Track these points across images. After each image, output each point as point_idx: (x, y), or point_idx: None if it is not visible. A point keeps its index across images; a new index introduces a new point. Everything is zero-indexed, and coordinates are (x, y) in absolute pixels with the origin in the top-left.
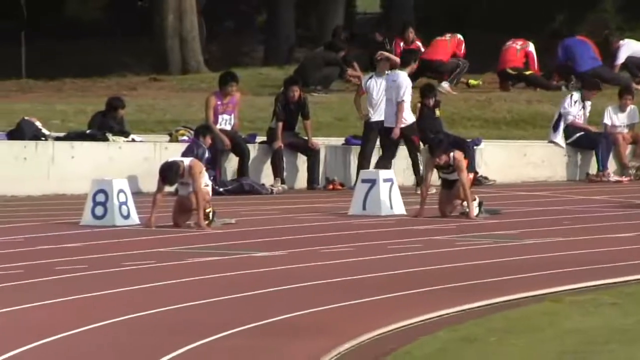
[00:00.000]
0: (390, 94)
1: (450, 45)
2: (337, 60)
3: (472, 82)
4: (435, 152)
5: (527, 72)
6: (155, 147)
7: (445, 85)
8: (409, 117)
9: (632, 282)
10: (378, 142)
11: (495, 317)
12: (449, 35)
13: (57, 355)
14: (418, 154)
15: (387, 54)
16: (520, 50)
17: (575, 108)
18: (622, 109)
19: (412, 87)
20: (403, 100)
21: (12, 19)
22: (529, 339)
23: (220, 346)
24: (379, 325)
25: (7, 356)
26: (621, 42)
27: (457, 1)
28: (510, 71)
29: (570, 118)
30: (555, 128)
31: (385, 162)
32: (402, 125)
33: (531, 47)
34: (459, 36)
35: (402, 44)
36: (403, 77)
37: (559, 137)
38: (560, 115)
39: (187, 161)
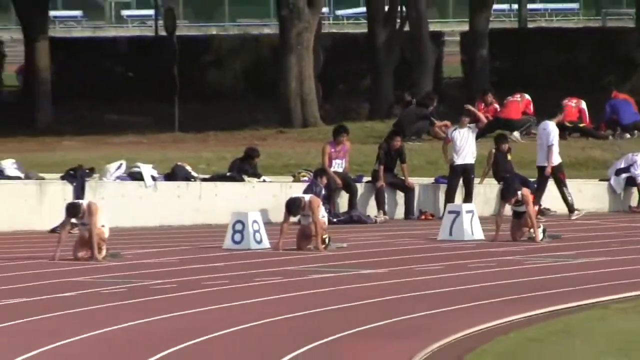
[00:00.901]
0: (542, 139)
1: (521, 105)
2: (426, 115)
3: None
4: (506, 197)
5: (581, 125)
6: (282, 186)
7: (516, 134)
8: (556, 158)
9: None
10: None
11: (555, 321)
12: (519, 96)
13: (205, 353)
14: (564, 188)
15: (471, 107)
16: (575, 107)
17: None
18: None
19: (487, 137)
20: (552, 144)
21: (167, 86)
22: (583, 339)
23: (331, 347)
24: (461, 328)
25: (167, 352)
26: None
27: (523, 67)
28: (567, 124)
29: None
30: (618, 174)
31: (468, 199)
32: (553, 164)
33: (583, 105)
34: (527, 96)
35: (482, 105)
36: (552, 126)
37: (617, 185)
38: (625, 170)
39: (307, 197)
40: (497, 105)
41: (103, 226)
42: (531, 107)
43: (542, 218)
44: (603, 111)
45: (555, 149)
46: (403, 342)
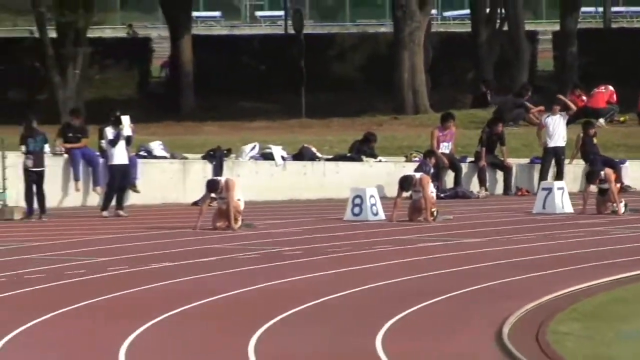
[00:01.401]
0: None
1: (605, 95)
2: (522, 103)
3: (621, 118)
4: (590, 179)
5: None
6: (395, 165)
7: (601, 121)
8: None
9: None
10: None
11: (638, 284)
12: (604, 87)
13: (329, 310)
14: None
15: (562, 97)
16: (605, 92)
17: None
18: None
19: (576, 123)
20: None
21: (295, 78)
22: None
23: (439, 306)
24: (554, 290)
25: (295, 310)
26: None
27: (607, 62)
28: None
29: None
30: None
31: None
32: None
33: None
34: (611, 88)
35: (572, 96)
36: None
37: None
38: None
39: (418, 175)
40: (584, 97)
41: (239, 200)
42: (614, 97)
43: (623, 194)
44: None
45: None
46: (503, 303)
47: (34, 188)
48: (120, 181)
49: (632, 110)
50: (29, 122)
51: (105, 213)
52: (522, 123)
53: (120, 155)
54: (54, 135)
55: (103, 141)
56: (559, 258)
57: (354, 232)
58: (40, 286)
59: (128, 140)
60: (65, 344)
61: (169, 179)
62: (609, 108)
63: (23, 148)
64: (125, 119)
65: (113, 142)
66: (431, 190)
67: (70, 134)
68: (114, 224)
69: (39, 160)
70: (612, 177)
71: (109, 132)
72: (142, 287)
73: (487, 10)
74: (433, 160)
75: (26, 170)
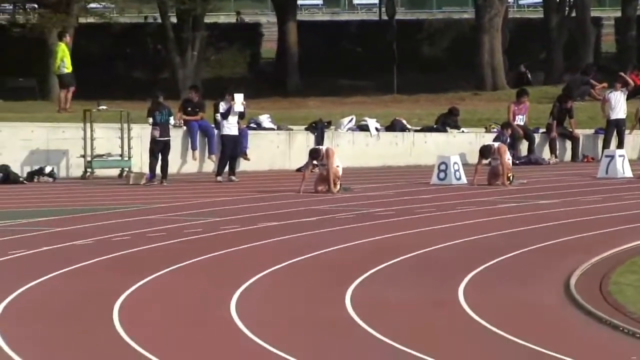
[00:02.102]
0: None
1: None
2: (588, 81)
3: None
4: None
5: None
6: (476, 136)
7: None
8: None
9: None
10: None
11: None
12: None
13: (422, 263)
14: None
15: (624, 75)
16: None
17: None
18: None
19: (637, 98)
20: None
21: (388, 59)
22: None
23: (514, 261)
24: (616, 245)
25: (389, 263)
26: None
27: None
28: None
29: None
30: None
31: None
32: None
33: None
34: None
35: (633, 75)
36: None
37: None
38: None
39: (496, 144)
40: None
41: (338, 166)
42: None
43: None
44: None
45: None
46: (570, 257)
47: (160, 156)
48: (231, 150)
49: None
50: (156, 97)
51: (219, 178)
52: (587, 98)
53: (231, 127)
54: (175, 109)
55: (218, 114)
56: (619, 217)
57: (439, 195)
58: (161, 243)
59: (241, 115)
60: (183, 295)
61: (275, 148)
62: None
63: (150, 120)
64: (239, 97)
65: (224, 115)
66: (508, 157)
67: (189, 108)
68: (227, 188)
69: (165, 131)
70: None
71: (222, 106)
72: (252, 244)
73: None
74: (509, 131)
75: (153, 140)
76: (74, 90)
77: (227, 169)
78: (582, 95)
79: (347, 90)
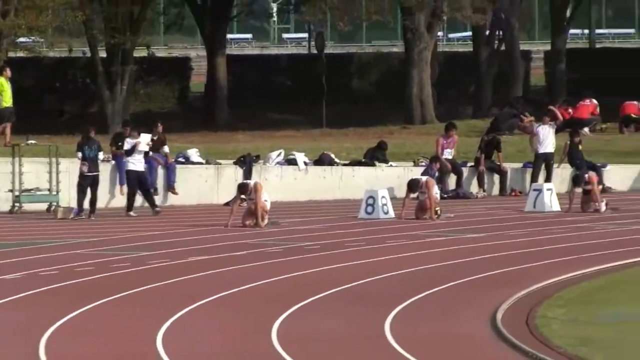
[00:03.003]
0: None
1: (589, 107)
2: (516, 114)
3: (603, 126)
4: (577, 183)
5: None
6: (404, 169)
7: (586, 130)
8: None
9: None
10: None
11: (618, 274)
12: (588, 100)
13: (347, 296)
14: None
15: (553, 109)
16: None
17: None
18: None
19: (564, 132)
20: None
21: (318, 93)
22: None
23: (441, 294)
24: (542, 279)
25: (317, 297)
26: None
27: (593, 78)
28: (633, 116)
29: None
30: None
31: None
32: None
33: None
34: (594, 101)
35: (561, 109)
36: None
37: None
38: None
39: (424, 178)
40: (570, 110)
41: (266, 200)
42: (597, 109)
43: (605, 194)
44: None
45: None
46: (498, 291)
47: (88, 190)
48: (138, 185)
49: (613, 120)
50: (87, 132)
51: (131, 213)
52: (516, 132)
53: (136, 162)
54: (105, 143)
55: (113, 147)
56: (547, 251)
57: (367, 229)
58: (89, 277)
59: (145, 154)
60: (110, 329)
61: (204, 182)
62: (592, 119)
63: (79, 154)
64: (145, 137)
65: (129, 152)
66: (435, 191)
67: (121, 143)
68: (155, 222)
69: (94, 166)
70: (595, 179)
71: (128, 142)
72: (181, 278)
73: (487, 32)
74: (437, 165)
75: (82, 175)
76: (12, 124)
77: (146, 203)
78: (510, 129)
79: (276, 124)
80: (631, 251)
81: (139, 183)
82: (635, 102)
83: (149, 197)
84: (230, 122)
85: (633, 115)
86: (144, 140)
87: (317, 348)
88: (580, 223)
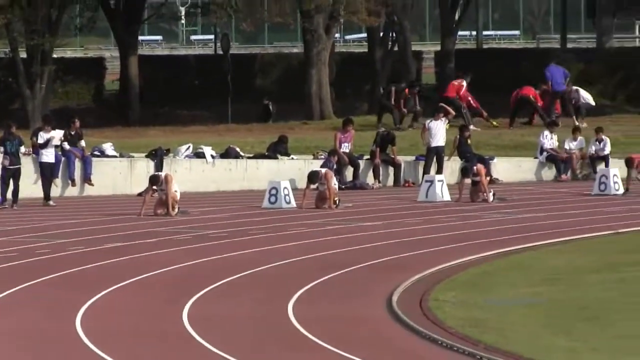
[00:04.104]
0: None
1: (455, 87)
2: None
3: (494, 123)
4: (466, 174)
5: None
6: (305, 162)
7: (472, 126)
8: None
9: (584, 239)
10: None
11: (503, 260)
12: (457, 81)
13: (251, 281)
14: None
15: (445, 106)
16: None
17: (547, 140)
18: (575, 138)
19: (454, 126)
20: None
21: (223, 91)
22: (522, 272)
23: (340, 278)
24: (435, 265)
25: (223, 281)
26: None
27: (480, 76)
28: (531, 97)
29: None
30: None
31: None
32: None
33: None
34: (464, 83)
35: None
36: None
37: (543, 161)
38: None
39: (323, 170)
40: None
41: (176, 191)
42: (463, 90)
43: (492, 185)
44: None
45: None
46: (393, 275)
47: (11, 182)
48: (49, 175)
49: (502, 116)
50: (8, 127)
51: (50, 202)
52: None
53: (48, 154)
54: (26, 138)
55: (34, 138)
56: (438, 238)
57: (271, 218)
58: (13, 263)
59: (61, 148)
60: (31, 311)
61: (118, 174)
62: (460, 106)
63: (1, 149)
64: (58, 133)
65: (42, 146)
66: (334, 182)
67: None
68: (73, 211)
69: (15, 159)
70: (483, 171)
71: (42, 136)
72: (99, 263)
73: (381, 34)
74: (335, 158)
75: (4, 168)
76: None
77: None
78: (402, 124)
79: (185, 120)
80: (515, 239)
81: (49, 173)
82: (532, 87)
83: (48, 187)
84: (142, 118)
85: (531, 97)
86: (57, 135)
87: (224, 328)
88: (469, 212)
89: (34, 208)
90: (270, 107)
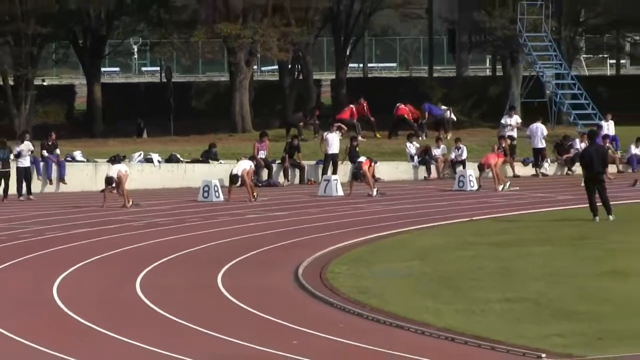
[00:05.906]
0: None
1: (348, 112)
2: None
3: (377, 135)
4: (356, 177)
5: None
6: (230, 165)
7: (360, 137)
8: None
9: (446, 224)
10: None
11: (382, 241)
12: (354, 105)
13: (190, 258)
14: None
15: (341, 124)
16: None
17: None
18: (438, 146)
19: (345, 137)
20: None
21: (168, 110)
22: (398, 251)
23: (257, 256)
24: (330, 245)
25: (168, 258)
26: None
27: (367, 100)
28: (405, 117)
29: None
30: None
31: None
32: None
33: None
34: (353, 106)
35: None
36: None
37: (416, 164)
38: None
39: (245, 169)
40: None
41: (126, 171)
42: (363, 110)
43: (376, 182)
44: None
45: None
46: (299, 252)
47: (1, 182)
48: (24, 177)
49: (383, 129)
50: (1, 140)
51: (21, 198)
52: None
53: (23, 161)
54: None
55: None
56: (334, 224)
57: (203, 209)
58: (4, 244)
59: (32, 153)
60: (17, 283)
61: (85, 175)
62: (355, 124)
63: None
64: (27, 144)
65: (17, 155)
66: (252, 180)
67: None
68: (50, 204)
69: (5, 164)
70: (367, 163)
71: (15, 149)
72: (71, 244)
73: (289, 66)
74: (254, 162)
75: None
76: None
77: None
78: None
79: (138, 134)
80: (394, 224)
81: (25, 175)
82: (406, 106)
83: (29, 186)
84: (104, 132)
85: (405, 117)
86: (27, 147)
87: (169, 295)
88: (357, 204)
89: (20, 202)
90: (142, 125)
